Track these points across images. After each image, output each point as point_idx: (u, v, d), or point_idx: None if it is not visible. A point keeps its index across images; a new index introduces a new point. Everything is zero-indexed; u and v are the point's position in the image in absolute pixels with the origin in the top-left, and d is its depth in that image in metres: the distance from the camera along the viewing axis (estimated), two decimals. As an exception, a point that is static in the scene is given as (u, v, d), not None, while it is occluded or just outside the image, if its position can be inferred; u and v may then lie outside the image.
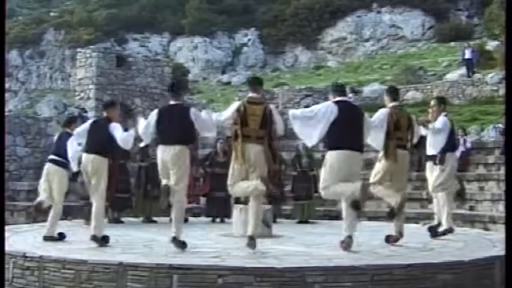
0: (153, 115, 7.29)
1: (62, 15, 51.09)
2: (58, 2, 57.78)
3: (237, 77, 43.26)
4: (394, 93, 8.04)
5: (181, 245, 7.04)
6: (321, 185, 7.14)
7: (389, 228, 8.08)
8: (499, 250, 7.21)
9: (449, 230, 8.56)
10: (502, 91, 20.99)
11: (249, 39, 48.52)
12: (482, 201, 13.52)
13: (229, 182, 7.18)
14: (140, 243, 7.99)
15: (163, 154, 7.08)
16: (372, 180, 7.71)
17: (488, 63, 28.45)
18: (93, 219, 7.60)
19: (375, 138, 7.53)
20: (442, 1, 45.26)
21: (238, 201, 10.00)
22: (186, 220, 9.62)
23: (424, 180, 9.75)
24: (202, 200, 12.83)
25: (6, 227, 8.48)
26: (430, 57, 37.13)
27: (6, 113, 14.57)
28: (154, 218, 11.48)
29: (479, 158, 15.60)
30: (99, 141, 7.68)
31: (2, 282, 6.52)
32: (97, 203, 7.63)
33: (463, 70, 28.20)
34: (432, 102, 9.05)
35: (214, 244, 7.97)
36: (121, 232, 9.23)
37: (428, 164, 9.22)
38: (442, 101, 9.12)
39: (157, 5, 50.55)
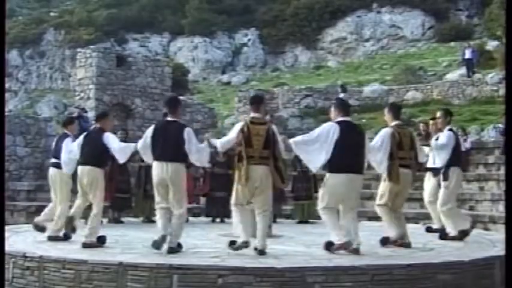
0: (149, 131, 7.26)
1: (62, 15, 51.07)
2: (58, 2, 57.76)
3: (237, 77, 43.28)
4: (396, 111, 7.91)
5: (177, 248, 7.05)
6: (320, 204, 7.11)
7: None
8: (499, 250, 7.22)
9: (459, 239, 8.41)
10: (502, 91, 20.99)
11: (249, 39, 48.48)
12: (482, 201, 13.49)
13: (232, 201, 7.10)
14: (140, 243, 7.98)
15: (161, 171, 6.99)
16: (377, 202, 7.75)
17: (488, 63, 28.45)
18: (87, 228, 7.60)
19: (376, 160, 7.43)
20: (442, 1, 45.21)
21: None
22: (186, 220, 9.60)
23: (423, 180, 9.74)
24: (202, 200, 12.82)
25: (6, 227, 8.48)
26: (430, 57, 37.12)
27: (6, 113, 14.54)
28: (154, 218, 11.46)
29: (479, 158, 15.59)
30: (93, 153, 7.71)
31: (2, 282, 6.52)
32: (95, 211, 7.66)
33: (463, 70, 28.20)
34: (438, 114, 8.90)
35: (214, 244, 7.97)
36: (121, 232, 9.24)
37: (427, 175, 9.19)
38: (448, 113, 8.90)
39: (157, 5, 50.53)
